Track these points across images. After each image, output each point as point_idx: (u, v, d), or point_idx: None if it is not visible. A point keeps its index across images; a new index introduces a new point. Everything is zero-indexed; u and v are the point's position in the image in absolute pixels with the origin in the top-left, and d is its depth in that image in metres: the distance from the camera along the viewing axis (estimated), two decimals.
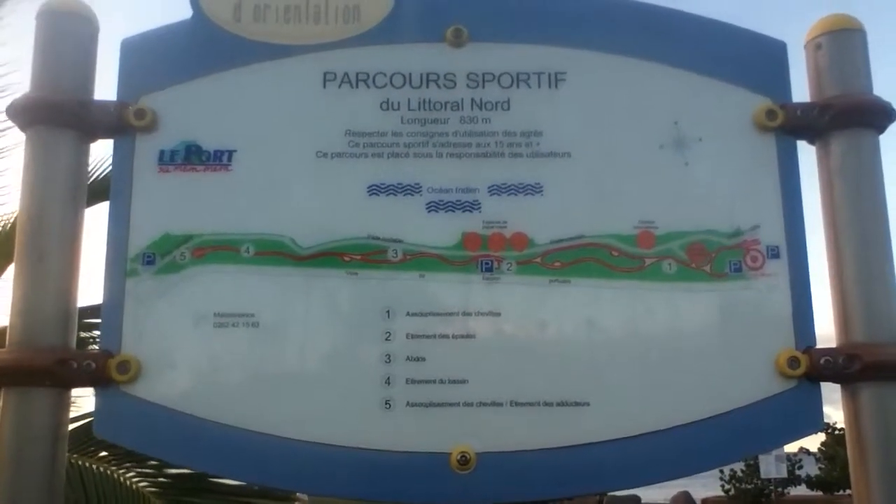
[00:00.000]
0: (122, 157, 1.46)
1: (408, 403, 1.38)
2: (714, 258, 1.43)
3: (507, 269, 1.41)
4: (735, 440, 1.41)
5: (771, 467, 25.04)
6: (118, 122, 1.45)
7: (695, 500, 26.24)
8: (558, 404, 1.39)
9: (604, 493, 26.39)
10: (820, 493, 23.65)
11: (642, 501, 25.68)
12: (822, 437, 24.30)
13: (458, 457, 1.36)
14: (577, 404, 1.39)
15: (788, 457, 24.77)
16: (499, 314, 1.40)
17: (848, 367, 1.40)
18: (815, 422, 1.43)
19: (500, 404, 1.39)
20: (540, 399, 1.39)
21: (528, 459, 1.38)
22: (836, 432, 25.08)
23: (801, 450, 25.91)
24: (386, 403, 1.38)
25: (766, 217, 1.44)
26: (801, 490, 24.75)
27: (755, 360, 1.41)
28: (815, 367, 1.40)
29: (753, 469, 25.79)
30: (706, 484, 28.11)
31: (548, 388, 1.39)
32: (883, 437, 1.40)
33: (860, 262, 1.43)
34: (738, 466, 26.95)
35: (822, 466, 24.25)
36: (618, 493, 26.07)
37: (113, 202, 1.44)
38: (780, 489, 25.59)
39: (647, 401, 1.40)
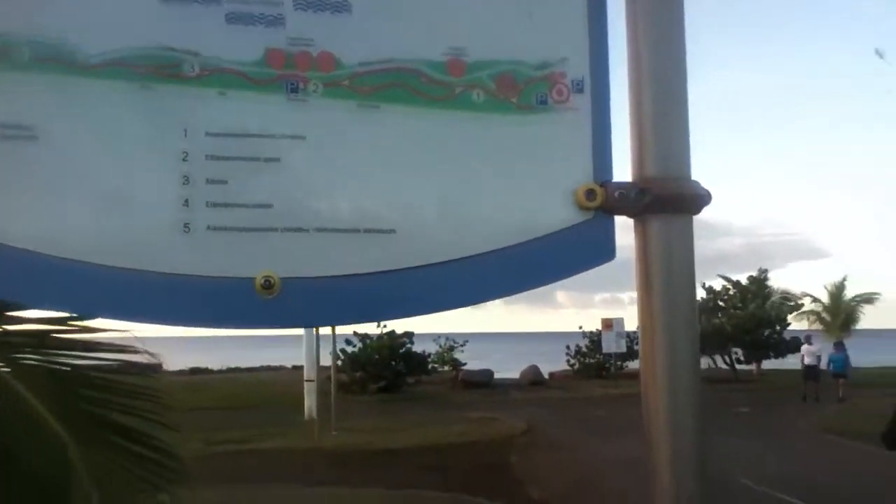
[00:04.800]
0: None
1: (208, 227, 1.33)
2: (522, 90, 1.44)
3: (314, 91, 1.36)
4: (535, 267, 1.48)
5: (612, 343, 27.18)
6: None
7: (542, 373, 28.22)
8: (365, 231, 1.39)
9: (456, 366, 27.56)
10: None
11: (495, 376, 27.33)
12: None
13: (262, 281, 1.34)
14: (383, 231, 1.40)
15: (628, 333, 26.92)
16: (304, 137, 1.36)
17: (639, 199, 1.48)
18: (609, 252, 1.51)
19: (306, 230, 1.37)
20: (346, 225, 1.39)
21: (334, 285, 1.39)
22: None
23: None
24: (185, 227, 1.32)
25: (573, 50, 1.46)
26: (637, 364, 26.98)
27: (556, 192, 1.47)
28: (610, 200, 1.48)
29: (596, 345, 27.92)
30: (552, 360, 30.20)
31: (354, 215, 1.39)
32: (667, 268, 1.49)
33: (658, 101, 1.48)
34: (583, 343, 29.07)
35: None
36: (473, 369, 27.55)
37: None
38: (619, 363, 27.90)
39: (451, 229, 1.43)
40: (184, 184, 1.32)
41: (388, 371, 24.86)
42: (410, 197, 1.41)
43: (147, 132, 1.32)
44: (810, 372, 21.03)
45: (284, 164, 1.36)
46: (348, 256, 1.39)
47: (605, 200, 1.48)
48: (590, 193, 1.47)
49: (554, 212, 1.47)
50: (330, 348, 17.33)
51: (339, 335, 18.88)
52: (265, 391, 22.78)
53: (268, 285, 1.35)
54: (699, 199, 1.49)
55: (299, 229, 1.37)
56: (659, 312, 1.51)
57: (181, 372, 30.84)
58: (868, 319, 32.11)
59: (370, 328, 25.27)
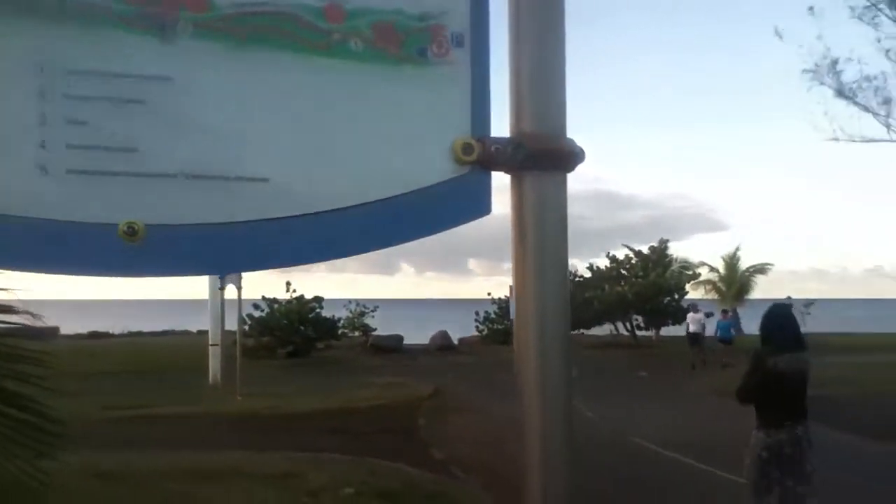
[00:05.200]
0: None
1: (68, 171, 1.28)
2: (402, 41, 1.43)
3: (184, 32, 1.31)
4: (412, 220, 1.48)
5: None
6: None
7: (452, 339, 28.57)
8: (236, 179, 1.37)
9: (366, 331, 27.41)
10: None
11: (405, 341, 27.49)
12: None
13: (126, 228, 1.30)
14: (255, 179, 1.37)
15: None
16: (172, 79, 1.32)
17: (516, 155, 1.50)
18: (485, 207, 1.54)
19: (173, 176, 1.33)
20: (217, 172, 1.35)
21: (202, 233, 1.35)
22: (576, 279, 28.01)
23: None
24: (42, 169, 1.26)
25: (454, 4, 1.45)
26: None
27: (433, 145, 1.47)
28: (487, 155, 1.50)
29: (504, 311, 28.40)
30: (462, 326, 30.60)
31: (225, 162, 1.36)
32: (540, 224, 1.53)
33: (536, 58, 1.50)
34: (492, 309, 29.55)
35: None
36: (383, 334, 27.59)
37: None
38: None
39: (327, 180, 1.41)
40: (41, 124, 1.26)
41: (296, 336, 24.60)
42: (285, 146, 1.39)
43: (0, 67, 1.24)
44: (693, 339, 22.11)
45: (150, 107, 1.31)
46: (219, 204, 1.36)
47: (482, 155, 1.50)
48: (467, 148, 1.48)
49: (431, 165, 1.48)
50: (237, 313, 16.99)
51: (246, 299, 18.53)
52: (168, 356, 22.15)
53: (131, 232, 1.31)
54: (573, 156, 1.53)
55: (166, 175, 1.33)
56: (532, 269, 1.55)
57: (79, 335, 29.65)
58: (762, 289, 33.88)
59: (279, 292, 24.92)
